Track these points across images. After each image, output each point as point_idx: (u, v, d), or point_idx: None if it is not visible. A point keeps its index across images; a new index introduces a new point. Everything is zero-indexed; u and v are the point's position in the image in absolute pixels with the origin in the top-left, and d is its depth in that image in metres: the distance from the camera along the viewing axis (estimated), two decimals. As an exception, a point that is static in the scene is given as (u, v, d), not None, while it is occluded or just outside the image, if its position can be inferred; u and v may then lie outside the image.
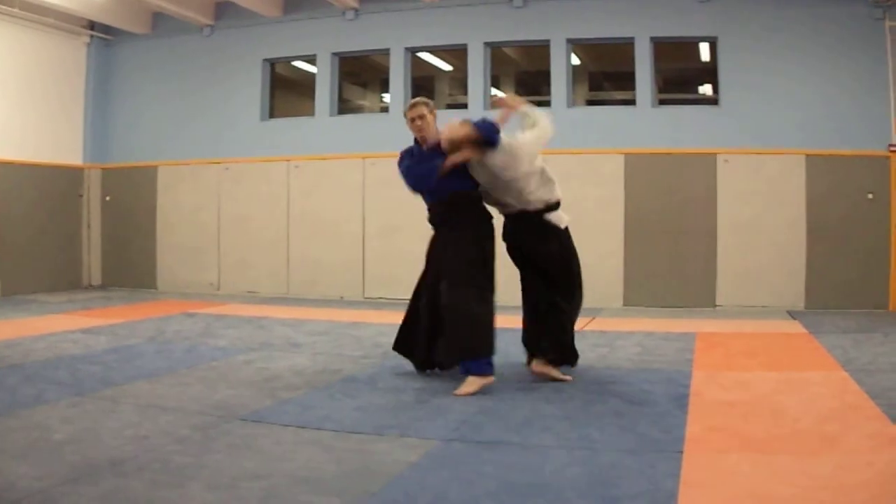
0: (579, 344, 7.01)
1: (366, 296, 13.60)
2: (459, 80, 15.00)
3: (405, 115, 6.82)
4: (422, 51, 14.42)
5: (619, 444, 4.80)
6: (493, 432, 5.09)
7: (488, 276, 6.62)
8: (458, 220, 6.64)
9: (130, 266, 15.31)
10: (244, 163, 14.47)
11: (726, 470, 4.30)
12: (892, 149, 11.66)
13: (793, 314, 11.35)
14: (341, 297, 13.62)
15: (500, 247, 6.74)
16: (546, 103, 13.28)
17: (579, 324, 7.31)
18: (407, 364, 7.18)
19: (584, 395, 5.93)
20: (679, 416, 5.43)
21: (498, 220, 6.80)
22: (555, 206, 6.69)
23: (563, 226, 6.74)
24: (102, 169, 15.53)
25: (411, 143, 6.85)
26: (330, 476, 4.24)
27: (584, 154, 12.64)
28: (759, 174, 12.13)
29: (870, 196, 11.75)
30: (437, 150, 6.57)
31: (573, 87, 13.54)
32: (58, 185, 14.87)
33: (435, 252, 6.79)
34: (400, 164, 6.80)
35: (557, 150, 12.43)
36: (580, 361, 7.03)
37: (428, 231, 6.88)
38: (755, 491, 3.95)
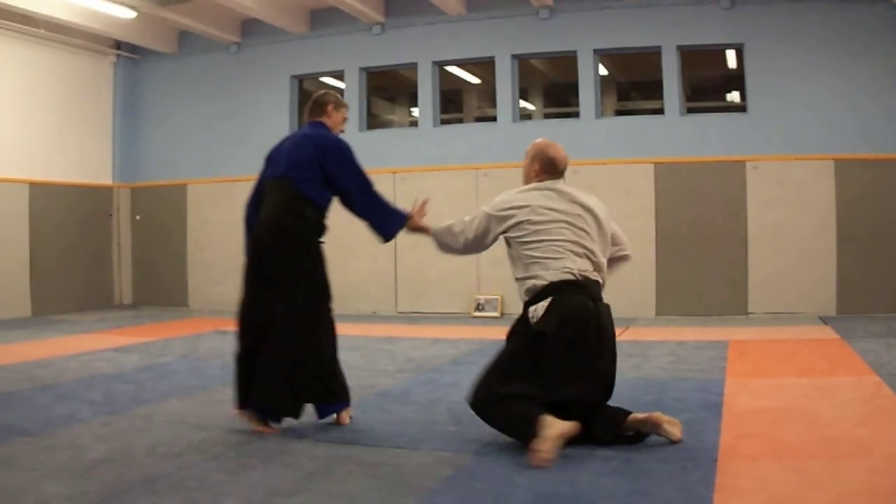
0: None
1: (399, 310, 13.61)
2: (488, 92, 15.03)
3: (342, 110, 5.90)
4: (449, 64, 14.47)
5: (653, 453, 4.76)
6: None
7: None
8: None
9: (161, 284, 15.42)
10: (273, 180, 14.49)
11: (760, 477, 4.26)
12: (922, 152, 11.60)
13: (825, 320, 11.27)
14: (374, 313, 13.63)
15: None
16: (575, 114, 13.35)
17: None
18: (440, 377, 7.19)
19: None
20: (712, 423, 5.41)
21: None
22: None
23: None
24: (132, 188, 15.67)
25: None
26: (365, 490, 4.24)
27: (614, 164, 12.67)
28: (788, 180, 12.08)
29: (900, 199, 11.69)
30: None
31: (601, 97, 13.54)
32: (88, 204, 15.04)
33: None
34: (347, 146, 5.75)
35: (588, 160, 12.46)
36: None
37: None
38: (789, 497, 3.92)
